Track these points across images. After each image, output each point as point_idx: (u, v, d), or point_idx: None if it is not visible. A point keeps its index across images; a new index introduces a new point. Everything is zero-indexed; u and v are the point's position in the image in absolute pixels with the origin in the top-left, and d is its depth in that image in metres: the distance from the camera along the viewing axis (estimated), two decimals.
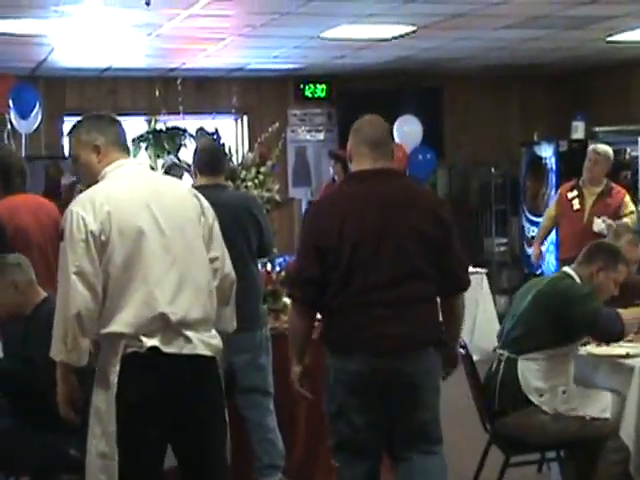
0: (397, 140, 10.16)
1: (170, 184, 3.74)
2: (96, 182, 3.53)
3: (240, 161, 6.37)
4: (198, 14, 7.20)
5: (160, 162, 8.43)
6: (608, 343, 4.63)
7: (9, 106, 9.43)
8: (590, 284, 4.65)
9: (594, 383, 4.76)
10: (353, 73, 10.91)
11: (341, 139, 10.71)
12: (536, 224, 9.74)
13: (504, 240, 11.39)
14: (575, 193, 7.63)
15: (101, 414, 3.40)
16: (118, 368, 3.35)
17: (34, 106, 9.45)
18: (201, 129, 8.09)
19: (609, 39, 9.03)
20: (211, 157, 5.08)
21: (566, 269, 4.80)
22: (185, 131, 8.63)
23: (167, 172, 8.25)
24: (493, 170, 11.41)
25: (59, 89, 10.56)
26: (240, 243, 4.77)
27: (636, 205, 8.02)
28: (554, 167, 10.38)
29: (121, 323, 3.36)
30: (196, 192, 3.69)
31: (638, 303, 5.00)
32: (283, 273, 5.97)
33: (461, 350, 4.92)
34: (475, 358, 5.01)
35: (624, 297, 4.86)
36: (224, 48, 8.94)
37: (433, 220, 3.78)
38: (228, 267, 3.64)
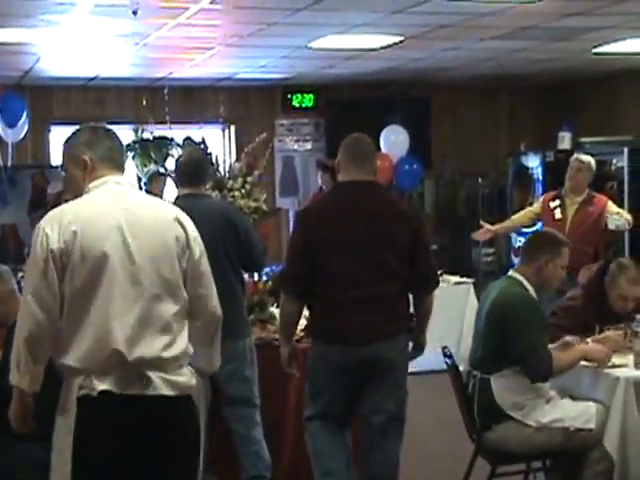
0: (383, 150, 10.18)
1: (153, 207, 3.41)
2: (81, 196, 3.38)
3: (227, 171, 6.35)
4: (185, 24, 7.18)
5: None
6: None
7: None
8: (539, 278, 4.67)
9: (578, 393, 4.76)
10: (341, 83, 10.91)
11: (329, 149, 10.69)
12: (523, 234, 9.75)
13: (491, 250, 11.39)
14: (557, 203, 7.60)
15: (59, 451, 3.24)
16: (75, 411, 3.17)
17: (21, 115, 9.41)
18: (188, 138, 8.10)
19: (596, 50, 9.06)
20: (190, 168, 5.08)
21: (512, 273, 4.80)
22: (172, 140, 8.64)
23: (150, 178, 8.28)
24: (480, 180, 11.44)
25: (46, 98, 10.52)
26: (218, 251, 4.73)
27: None
28: (540, 177, 10.42)
29: (74, 357, 3.17)
30: (185, 221, 3.37)
31: (621, 327, 4.96)
32: (270, 283, 5.95)
33: (447, 361, 4.94)
34: (461, 368, 5.01)
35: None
36: (211, 58, 8.92)
37: (408, 231, 4.40)
38: (213, 305, 3.42)
